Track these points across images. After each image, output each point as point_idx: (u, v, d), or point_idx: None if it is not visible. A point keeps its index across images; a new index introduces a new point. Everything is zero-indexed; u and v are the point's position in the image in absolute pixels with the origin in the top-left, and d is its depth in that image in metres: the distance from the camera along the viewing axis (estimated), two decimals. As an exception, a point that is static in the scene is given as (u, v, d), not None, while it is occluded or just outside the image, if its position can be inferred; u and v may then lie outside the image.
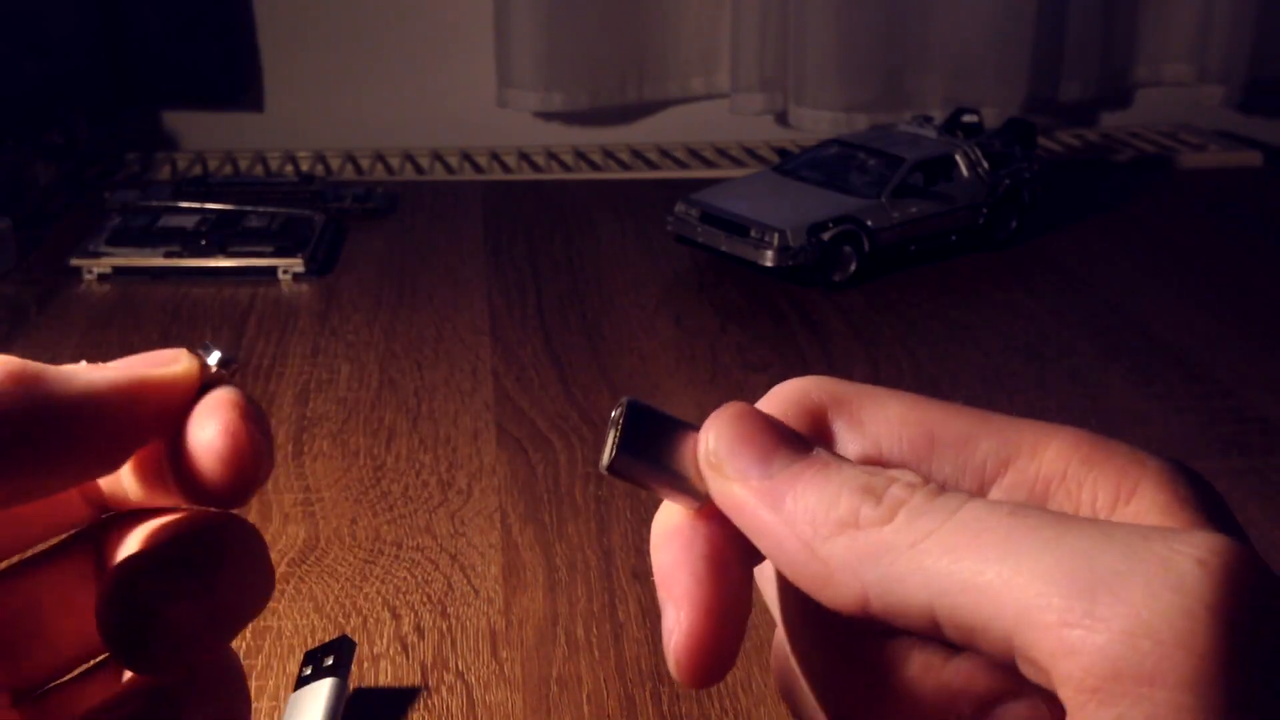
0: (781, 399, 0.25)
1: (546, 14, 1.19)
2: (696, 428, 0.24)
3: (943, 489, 0.22)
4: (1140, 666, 0.18)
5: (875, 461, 0.24)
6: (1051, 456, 0.23)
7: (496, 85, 1.23)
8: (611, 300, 0.85)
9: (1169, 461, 0.23)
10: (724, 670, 0.23)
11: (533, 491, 0.61)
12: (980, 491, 0.23)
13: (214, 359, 0.25)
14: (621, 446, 0.24)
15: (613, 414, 0.25)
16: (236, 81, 1.23)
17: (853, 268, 0.87)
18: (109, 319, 0.81)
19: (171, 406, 0.24)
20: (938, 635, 0.21)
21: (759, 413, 0.24)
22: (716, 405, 0.24)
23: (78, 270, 0.88)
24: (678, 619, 0.23)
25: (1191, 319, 0.83)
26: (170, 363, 0.24)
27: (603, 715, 0.46)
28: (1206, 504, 0.22)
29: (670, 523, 0.24)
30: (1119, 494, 0.22)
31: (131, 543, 0.25)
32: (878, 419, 0.24)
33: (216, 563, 0.23)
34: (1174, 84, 1.34)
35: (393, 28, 1.25)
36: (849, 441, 0.24)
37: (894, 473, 0.22)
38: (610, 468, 0.24)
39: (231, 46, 1.21)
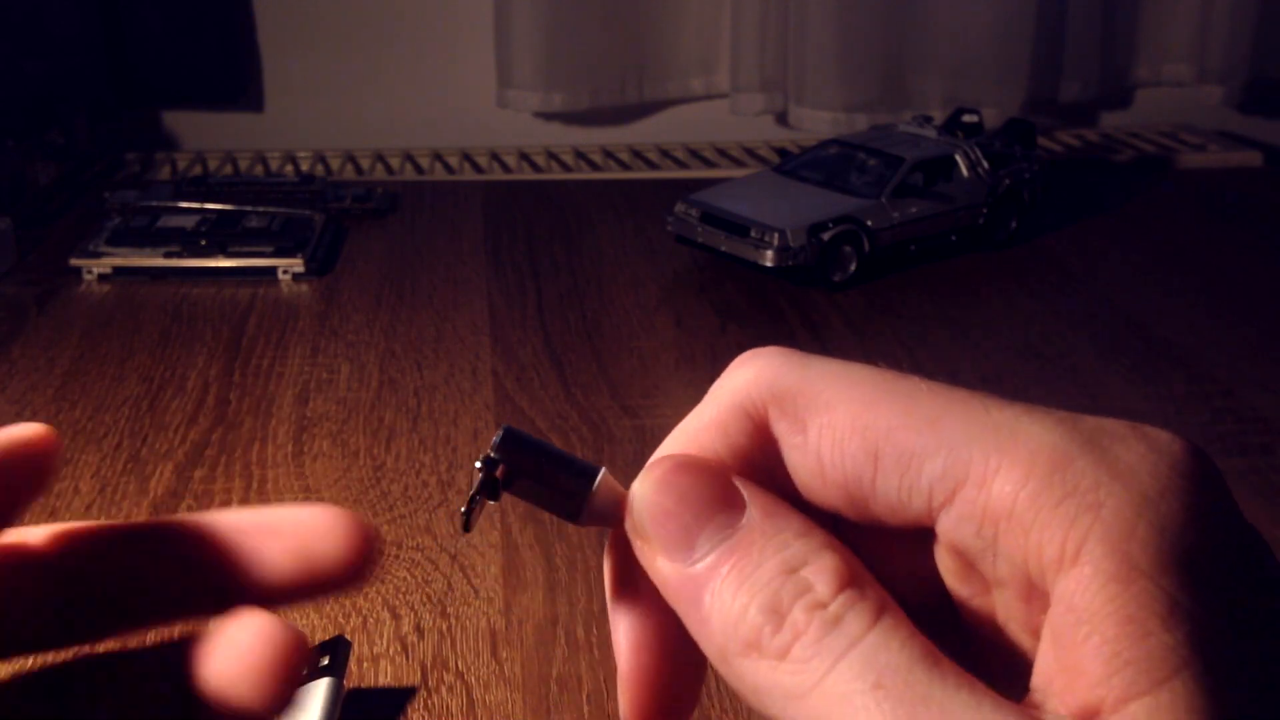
0: (724, 405, 0.24)
1: (546, 14, 1.19)
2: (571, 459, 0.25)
3: (856, 599, 0.21)
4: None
5: (818, 477, 0.24)
6: (998, 490, 0.21)
7: (496, 85, 1.23)
8: (611, 300, 0.85)
9: (1130, 499, 0.21)
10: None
11: (532, 491, 0.61)
12: (929, 518, 0.22)
13: None
14: (504, 446, 0.24)
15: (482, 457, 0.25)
16: (236, 81, 1.23)
17: (853, 268, 0.87)
18: (109, 319, 0.81)
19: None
20: None
21: (689, 470, 0.23)
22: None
23: (78, 270, 0.88)
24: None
25: (1191, 319, 0.83)
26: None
27: (602, 715, 0.46)
28: (1173, 562, 0.20)
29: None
30: (1063, 556, 0.21)
31: None
32: (823, 427, 0.24)
33: None
34: (1174, 84, 1.34)
35: (393, 28, 1.25)
36: (793, 450, 0.24)
37: (808, 574, 0.21)
38: (488, 458, 0.24)
39: (231, 46, 1.21)
